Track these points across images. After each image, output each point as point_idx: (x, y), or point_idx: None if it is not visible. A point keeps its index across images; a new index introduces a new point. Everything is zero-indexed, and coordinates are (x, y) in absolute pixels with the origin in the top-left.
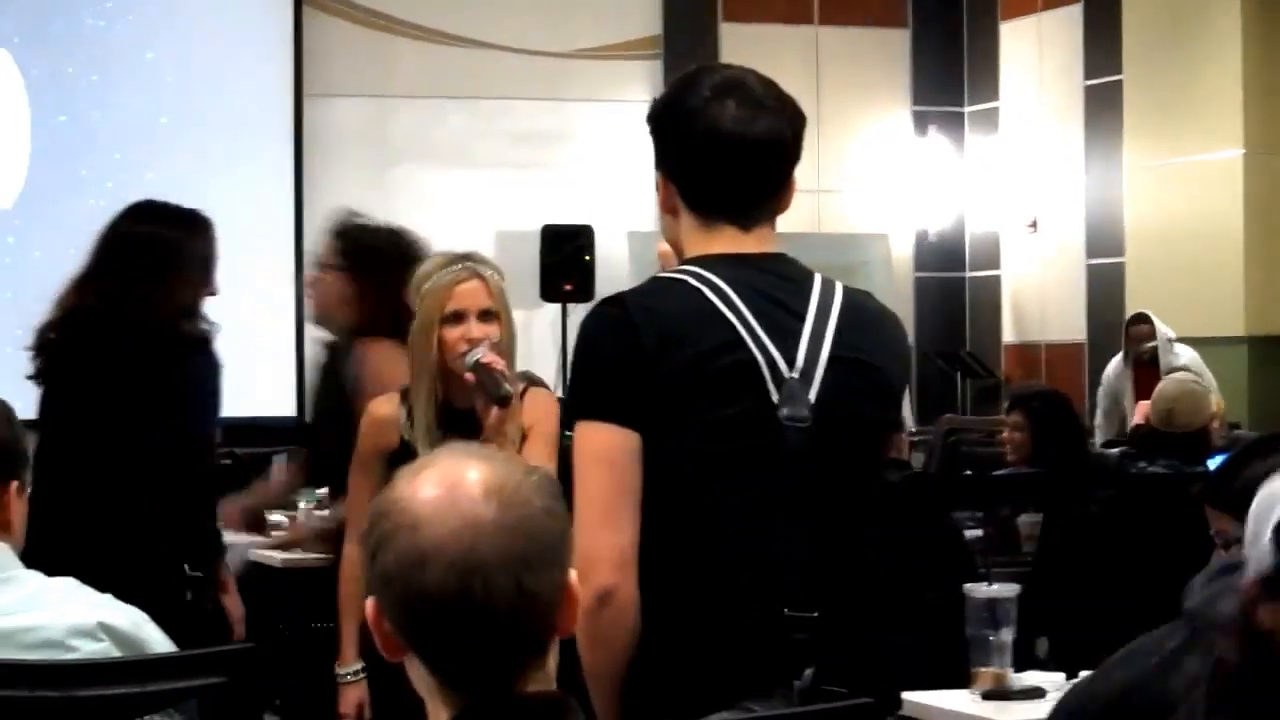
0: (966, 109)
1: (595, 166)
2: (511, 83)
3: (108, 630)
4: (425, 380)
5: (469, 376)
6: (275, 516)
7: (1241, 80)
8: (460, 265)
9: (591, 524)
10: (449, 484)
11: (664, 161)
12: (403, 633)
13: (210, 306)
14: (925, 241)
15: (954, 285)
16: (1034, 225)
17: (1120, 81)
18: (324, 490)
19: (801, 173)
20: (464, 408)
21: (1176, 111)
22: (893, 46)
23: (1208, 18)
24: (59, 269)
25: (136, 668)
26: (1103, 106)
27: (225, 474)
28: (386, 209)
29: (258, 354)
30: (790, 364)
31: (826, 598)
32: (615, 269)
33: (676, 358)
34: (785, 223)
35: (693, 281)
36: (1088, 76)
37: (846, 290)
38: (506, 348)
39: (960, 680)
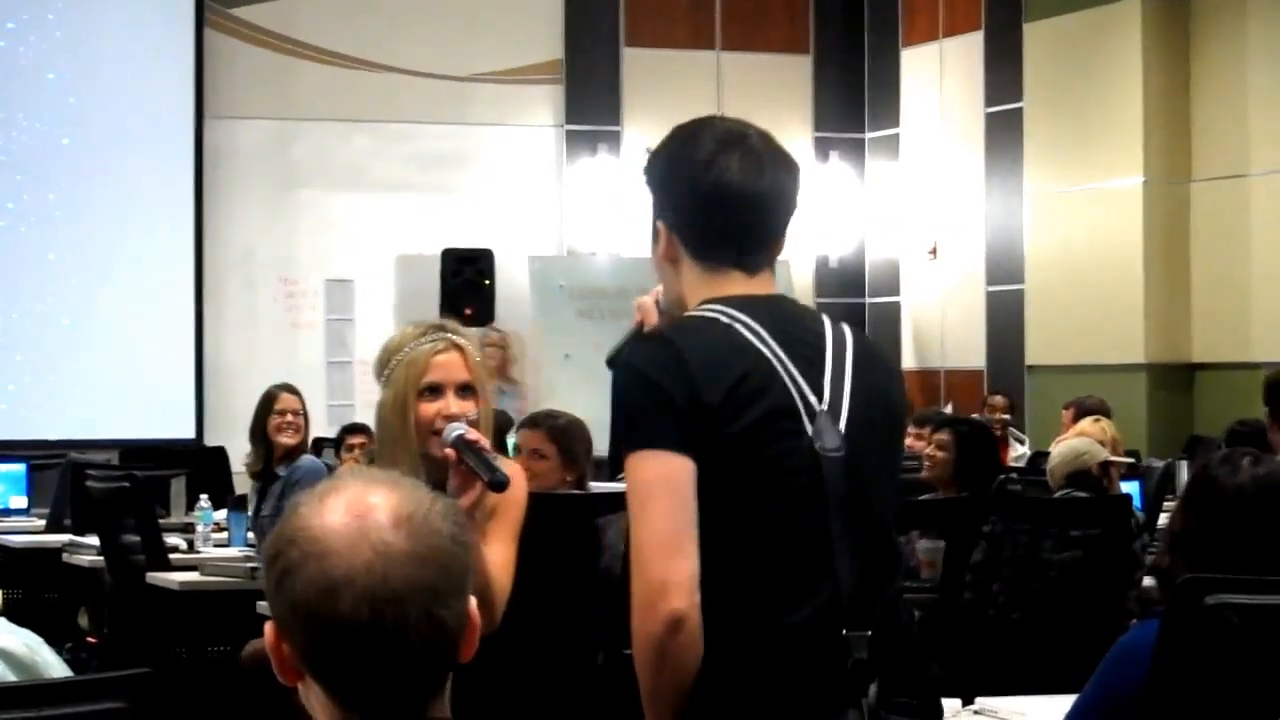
0: (868, 135)
1: (497, 190)
2: (414, 106)
3: (2, 654)
4: (405, 457)
5: (449, 453)
6: (173, 539)
7: (1142, 109)
8: (436, 335)
9: (660, 551)
10: (357, 512)
11: (666, 213)
12: (307, 659)
13: (110, 326)
14: (826, 267)
15: (854, 311)
16: (934, 252)
17: (1021, 109)
18: (221, 513)
19: None
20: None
21: (1077, 139)
22: (795, 72)
23: (1109, 47)
24: None
25: (33, 692)
26: (1003, 134)
27: (124, 495)
28: (288, 231)
29: (157, 375)
30: (819, 397)
31: (875, 616)
32: (516, 292)
33: (725, 390)
34: None
35: (725, 320)
36: (989, 104)
37: (847, 325)
38: (486, 425)
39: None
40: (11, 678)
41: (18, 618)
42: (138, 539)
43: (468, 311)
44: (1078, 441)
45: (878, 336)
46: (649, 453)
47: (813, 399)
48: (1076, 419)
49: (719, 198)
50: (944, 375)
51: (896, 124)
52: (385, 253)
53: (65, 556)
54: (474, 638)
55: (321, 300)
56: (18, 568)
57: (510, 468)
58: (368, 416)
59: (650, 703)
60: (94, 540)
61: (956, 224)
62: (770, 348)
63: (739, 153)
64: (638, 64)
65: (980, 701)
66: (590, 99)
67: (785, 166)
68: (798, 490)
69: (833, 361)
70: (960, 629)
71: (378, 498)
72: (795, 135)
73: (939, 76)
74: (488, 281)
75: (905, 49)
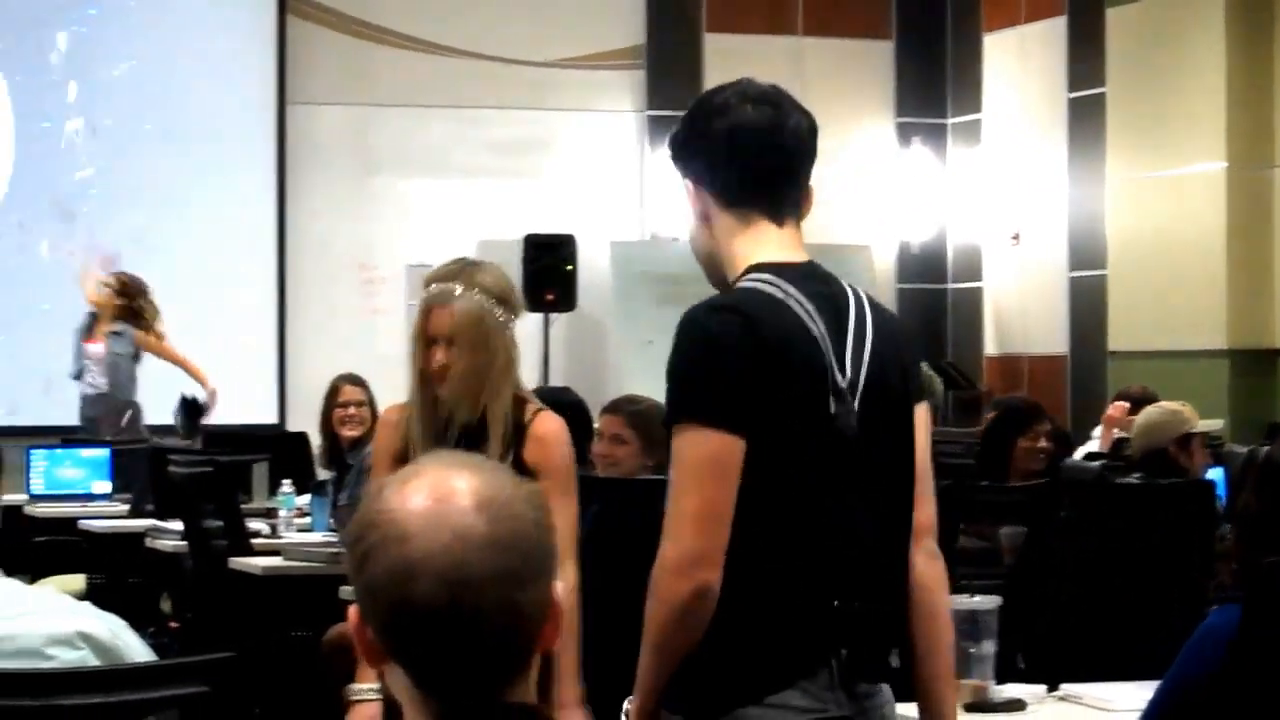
0: (949, 120)
1: (577, 176)
2: (495, 92)
3: (86, 638)
4: (421, 389)
5: None
6: (255, 524)
7: (1224, 94)
8: (441, 285)
9: (702, 524)
10: (438, 495)
11: (693, 167)
12: (387, 643)
13: (193, 311)
14: (908, 253)
15: (936, 297)
16: (1016, 238)
17: (1103, 94)
18: (304, 498)
19: None
20: (456, 416)
21: (1159, 125)
22: (877, 58)
23: (1191, 32)
24: (38, 274)
25: (115, 676)
26: (1086, 119)
27: (207, 480)
28: (368, 217)
29: (240, 361)
30: (842, 370)
31: (892, 588)
32: (597, 278)
33: (782, 368)
34: None
35: (780, 294)
36: (1071, 89)
37: (863, 292)
38: (469, 373)
39: None
40: (95, 661)
41: (101, 602)
42: (220, 524)
43: (549, 297)
44: (1155, 411)
45: (959, 322)
46: (704, 430)
47: (837, 374)
48: (1134, 410)
49: (739, 138)
50: (1026, 361)
51: (978, 109)
52: (466, 238)
53: (148, 541)
54: (558, 623)
55: (402, 286)
56: (101, 552)
57: (544, 425)
58: None
59: (652, 652)
60: (177, 525)
61: (1038, 210)
62: (816, 324)
63: (754, 100)
64: (719, 50)
65: (1065, 688)
66: (671, 85)
67: (802, 113)
68: (819, 462)
69: (854, 332)
70: (1043, 615)
71: (460, 481)
72: (877, 121)
73: (1021, 61)
74: (570, 267)
75: (987, 34)
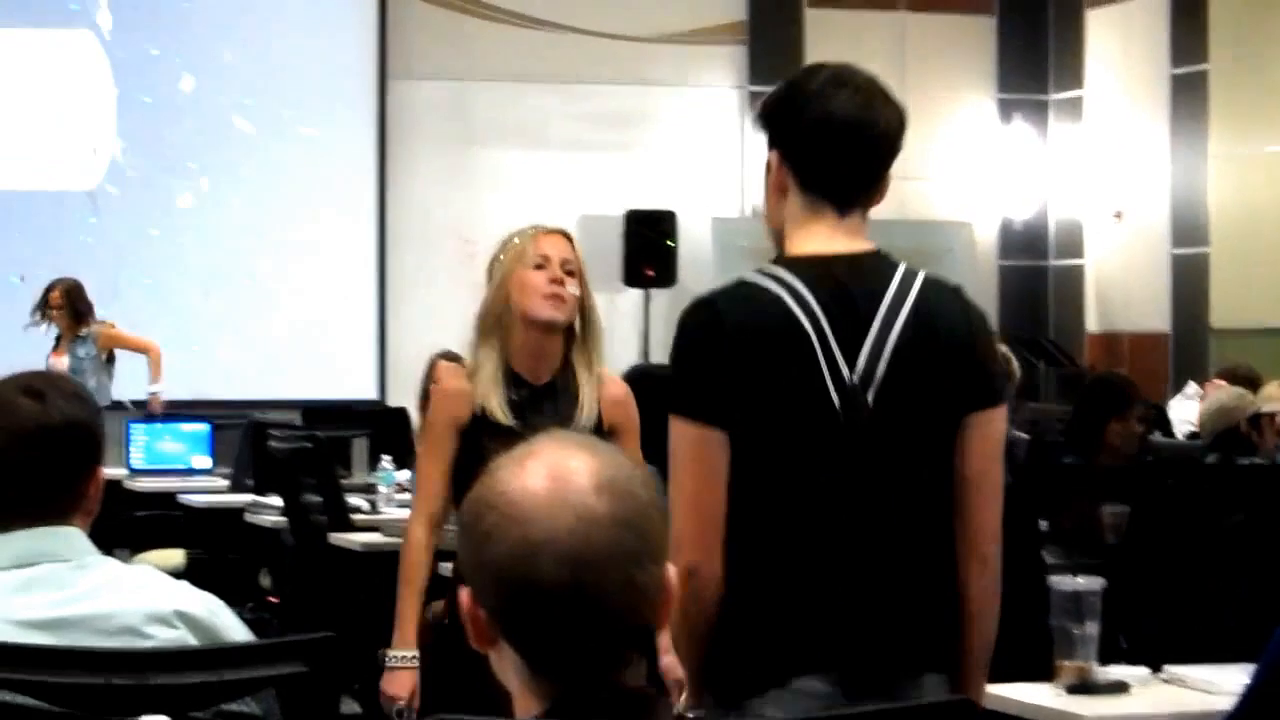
0: (1051, 96)
1: (678, 151)
2: (594, 66)
3: (184, 617)
4: (503, 335)
5: None
6: (355, 500)
7: None
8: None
9: (685, 511)
10: (557, 475)
11: (778, 144)
12: (503, 624)
13: (293, 286)
14: (1009, 230)
15: (1037, 273)
16: (1118, 214)
17: (1206, 71)
18: (404, 473)
19: None
20: (528, 377)
21: (1262, 101)
22: (978, 33)
23: None
24: (141, 250)
25: (213, 655)
26: (1188, 95)
27: (306, 456)
28: (468, 191)
29: (340, 336)
30: (853, 365)
31: (887, 585)
32: (698, 254)
33: (756, 362)
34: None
35: (775, 288)
36: (1173, 65)
37: (927, 282)
38: (588, 309)
39: (1045, 674)
40: (192, 640)
41: (199, 577)
42: (319, 500)
43: (649, 272)
44: (1223, 395)
45: (1060, 299)
46: (685, 422)
47: (844, 368)
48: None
49: (828, 126)
50: (1127, 338)
51: (1080, 85)
52: (565, 213)
53: (247, 517)
54: (670, 605)
55: None
56: (200, 528)
57: (618, 386)
58: None
59: (674, 642)
60: (276, 501)
61: (1140, 186)
62: (813, 317)
63: (849, 89)
64: (820, 25)
65: (1169, 670)
66: (772, 60)
67: (892, 106)
68: (817, 458)
69: (880, 324)
70: (1146, 594)
71: (578, 462)
72: (978, 97)
73: (1124, 37)
74: (670, 243)
75: (1089, 10)
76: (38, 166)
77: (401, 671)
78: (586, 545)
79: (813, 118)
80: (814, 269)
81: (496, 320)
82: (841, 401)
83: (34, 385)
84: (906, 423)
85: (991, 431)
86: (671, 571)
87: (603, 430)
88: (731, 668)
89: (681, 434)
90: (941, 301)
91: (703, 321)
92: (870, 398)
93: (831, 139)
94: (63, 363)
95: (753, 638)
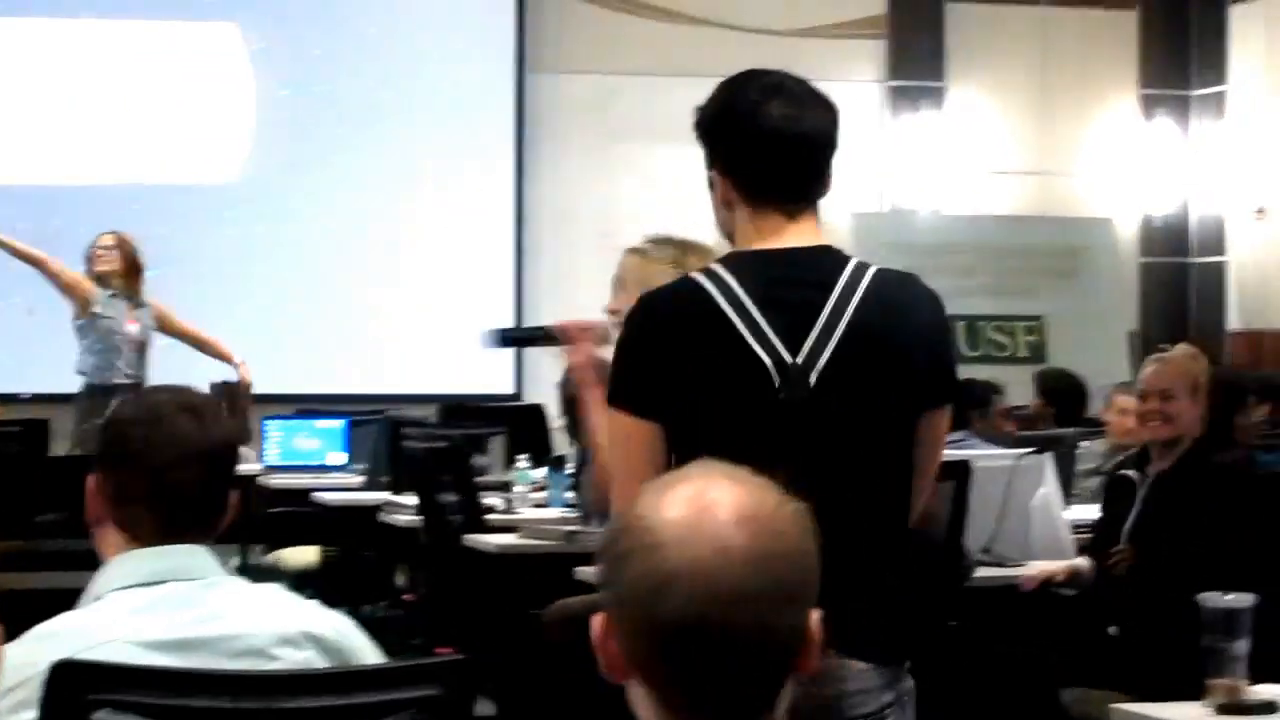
0: (1193, 92)
1: None
2: (736, 61)
3: (313, 639)
4: None
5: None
6: (491, 499)
7: None
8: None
9: (620, 492)
10: (698, 506)
11: (719, 159)
12: (631, 655)
13: (431, 281)
14: (1150, 226)
15: (1179, 270)
16: (1261, 211)
17: None
18: (540, 472)
19: (1024, 155)
20: None
21: None
22: (1120, 28)
23: None
24: (282, 243)
25: (344, 678)
26: None
27: (442, 455)
28: (609, 186)
29: (477, 330)
30: (795, 353)
31: (849, 569)
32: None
33: (681, 352)
34: (1007, 205)
35: (704, 280)
36: None
37: (880, 273)
38: None
39: (1194, 693)
40: (320, 662)
41: (334, 576)
42: (455, 499)
43: None
44: None
45: (1202, 296)
46: (616, 412)
47: (785, 354)
48: None
49: (762, 138)
50: (1269, 337)
51: (1223, 81)
52: (708, 208)
53: (381, 515)
54: (814, 653)
55: None
56: (335, 525)
57: None
58: None
59: None
60: (411, 500)
61: None
62: (742, 308)
63: (779, 99)
64: (962, 20)
65: None
66: (914, 55)
67: (824, 107)
68: (752, 445)
69: (830, 311)
70: None
71: (721, 493)
72: (1120, 92)
73: (1267, 33)
74: None
75: (1233, 4)
76: (178, 159)
77: None
78: (716, 581)
79: (747, 132)
80: (755, 262)
81: None
82: (782, 381)
83: (191, 403)
84: (852, 406)
85: (940, 422)
86: (815, 617)
87: None
88: None
89: (614, 425)
90: (896, 289)
91: (634, 318)
92: (813, 379)
93: (767, 151)
94: (133, 330)
95: None
